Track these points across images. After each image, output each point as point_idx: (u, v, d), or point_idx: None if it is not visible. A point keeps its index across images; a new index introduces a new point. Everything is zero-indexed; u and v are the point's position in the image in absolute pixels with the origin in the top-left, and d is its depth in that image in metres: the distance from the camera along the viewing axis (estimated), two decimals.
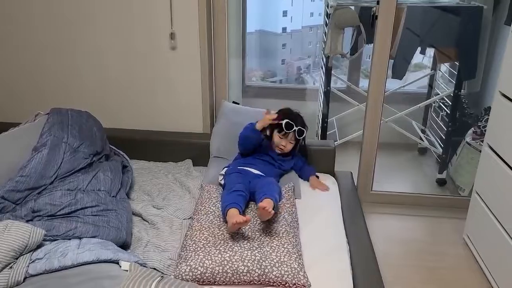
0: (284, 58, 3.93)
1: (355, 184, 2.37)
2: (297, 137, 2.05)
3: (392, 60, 2.56)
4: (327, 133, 3.08)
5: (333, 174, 2.29)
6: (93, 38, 2.34)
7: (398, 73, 2.58)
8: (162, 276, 1.30)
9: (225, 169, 2.00)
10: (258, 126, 1.98)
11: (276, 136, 2.04)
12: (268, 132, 2.07)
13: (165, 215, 1.83)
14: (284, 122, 1.99)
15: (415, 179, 3.09)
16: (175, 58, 2.34)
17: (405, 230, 2.44)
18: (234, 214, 1.58)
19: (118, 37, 2.32)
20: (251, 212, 1.77)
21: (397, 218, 2.54)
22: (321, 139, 2.95)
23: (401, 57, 2.51)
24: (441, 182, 2.92)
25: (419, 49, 2.73)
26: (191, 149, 2.37)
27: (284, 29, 3.81)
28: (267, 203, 1.57)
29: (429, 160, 3.29)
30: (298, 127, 2.02)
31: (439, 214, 2.56)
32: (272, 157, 2.05)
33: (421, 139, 3.15)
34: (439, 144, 3.04)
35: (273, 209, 1.60)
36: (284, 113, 2.05)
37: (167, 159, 2.37)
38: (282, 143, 2.03)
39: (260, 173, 1.94)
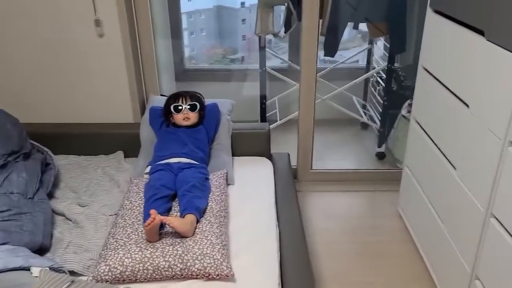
0: (244, 34, 3.83)
1: (294, 165, 2.37)
2: (189, 105, 2.05)
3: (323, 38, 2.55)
4: (269, 113, 3.06)
5: (269, 156, 2.27)
6: (9, 27, 2.18)
7: (330, 51, 2.56)
8: (73, 281, 1.25)
9: (149, 167, 1.94)
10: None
11: (174, 117, 2.07)
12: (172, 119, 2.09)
13: (89, 213, 1.76)
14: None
15: (357, 154, 3.14)
16: (103, 45, 2.23)
17: (344, 206, 2.49)
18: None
19: (40, 26, 2.17)
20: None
21: (337, 195, 2.58)
22: (260, 120, 2.93)
23: (332, 34, 2.50)
24: (380, 156, 2.97)
25: (352, 24, 2.73)
26: (122, 140, 2.29)
27: (242, 3, 3.71)
28: (183, 225, 1.53)
29: (371, 134, 3.35)
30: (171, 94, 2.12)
31: (378, 188, 2.62)
32: (183, 136, 2.02)
33: (360, 114, 3.18)
34: (378, 118, 3.09)
35: (197, 221, 1.60)
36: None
37: (98, 152, 2.27)
38: (185, 113, 2.04)
39: (183, 161, 1.90)
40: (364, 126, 3.41)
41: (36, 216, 1.58)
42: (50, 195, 1.88)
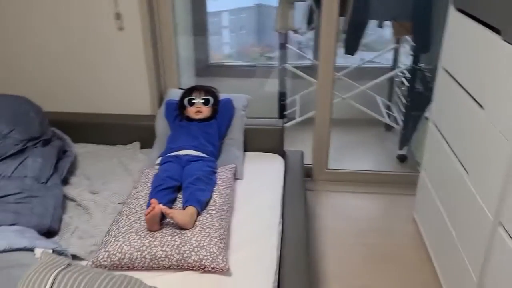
0: None
1: (310, 163, 2.33)
2: (202, 99, 2.07)
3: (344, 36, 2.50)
4: (289, 110, 3.04)
5: (282, 153, 2.26)
6: (32, 19, 2.27)
7: (350, 49, 2.51)
8: (69, 264, 1.29)
9: (160, 158, 1.97)
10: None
11: (187, 110, 2.09)
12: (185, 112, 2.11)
13: (99, 200, 1.81)
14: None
15: (378, 155, 3.07)
16: (122, 38, 2.28)
17: (358, 208, 2.44)
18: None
19: (60, 18, 2.25)
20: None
21: (352, 196, 2.53)
22: (279, 117, 2.91)
23: (352, 32, 2.45)
24: (401, 158, 2.89)
25: (376, 23, 2.67)
26: (140, 132, 2.34)
27: None
28: (182, 217, 1.54)
29: (394, 136, 3.26)
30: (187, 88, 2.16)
31: (396, 191, 2.55)
32: (194, 129, 2.04)
33: (382, 115, 3.10)
34: (402, 119, 3.00)
35: (198, 214, 1.61)
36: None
37: (116, 142, 2.34)
38: (197, 106, 2.07)
39: (192, 154, 1.92)
40: (388, 127, 3.32)
41: (46, 200, 1.64)
42: (66, 181, 1.95)
